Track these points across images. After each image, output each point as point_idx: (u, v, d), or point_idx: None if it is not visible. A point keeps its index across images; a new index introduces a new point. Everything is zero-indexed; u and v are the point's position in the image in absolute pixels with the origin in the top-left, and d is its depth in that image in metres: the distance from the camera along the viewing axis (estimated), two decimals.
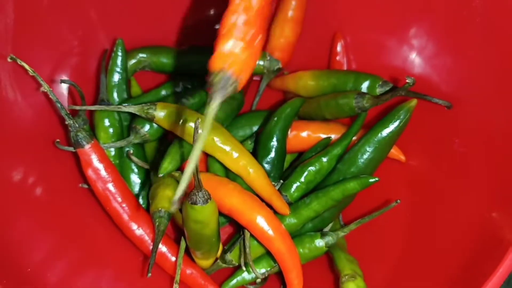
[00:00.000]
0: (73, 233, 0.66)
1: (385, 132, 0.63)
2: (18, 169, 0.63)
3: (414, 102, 0.62)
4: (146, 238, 0.66)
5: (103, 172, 0.65)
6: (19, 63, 0.61)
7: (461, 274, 0.55)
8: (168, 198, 0.65)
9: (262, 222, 0.60)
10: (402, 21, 0.70)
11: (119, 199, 0.66)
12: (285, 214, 0.63)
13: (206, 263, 0.66)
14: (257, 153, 0.67)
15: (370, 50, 0.74)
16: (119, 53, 0.71)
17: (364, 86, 0.67)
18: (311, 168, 0.64)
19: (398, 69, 0.70)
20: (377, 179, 0.60)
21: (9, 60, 0.61)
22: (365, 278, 0.60)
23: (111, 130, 0.69)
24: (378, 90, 0.66)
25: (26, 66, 0.61)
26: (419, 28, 0.69)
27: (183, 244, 0.64)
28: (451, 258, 0.58)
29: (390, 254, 0.65)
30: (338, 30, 0.77)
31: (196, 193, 0.57)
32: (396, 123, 0.62)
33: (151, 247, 0.65)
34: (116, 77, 0.72)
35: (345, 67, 0.78)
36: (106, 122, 0.69)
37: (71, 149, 0.66)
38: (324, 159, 0.65)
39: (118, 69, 0.72)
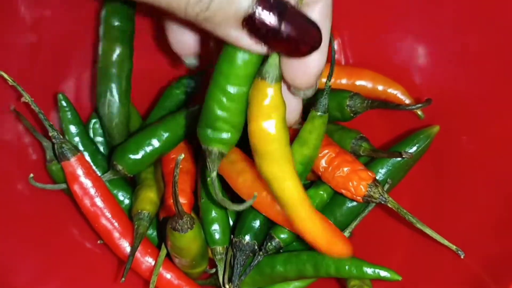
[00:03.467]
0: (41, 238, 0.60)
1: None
2: None
3: (436, 128, 0.58)
4: (139, 256, 0.61)
5: (90, 187, 0.59)
6: None
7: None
8: (150, 200, 0.61)
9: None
10: (399, 17, 0.66)
11: (109, 216, 0.60)
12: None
13: (192, 272, 0.62)
14: None
15: (368, 46, 0.70)
16: (66, 109, 0.63)
17: (335, 105, 0.62)
18: None
19: (397, 64, 0.67)
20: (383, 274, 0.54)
21: None
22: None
23: None
24: (348, 103, 0.61)
25: (5, 76, 0.53)
26: (417, 24, 0.65)
27: (162, 254, 0.60)
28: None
29: (395, 260, 0.62)
30: (335, 27, 0.71)
31: (177, 220, 0.53)
32: (414, 148, 0.58)
33: (145, 266, 0.60)
34: (75, 132, 0.64)
35: (343, 63, 0.73)
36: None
37: (49, 187, 0.60)
38: (323, 193, 0.59)
39: (73, 125, 0.64)
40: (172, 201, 0.58)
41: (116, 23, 0.63)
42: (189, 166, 0.65)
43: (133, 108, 0.70)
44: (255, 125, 0.45)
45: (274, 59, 0.44)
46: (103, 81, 0.64)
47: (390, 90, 0.65)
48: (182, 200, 0.60)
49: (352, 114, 0.62)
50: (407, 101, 0.65)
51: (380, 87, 0.66)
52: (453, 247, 0.53)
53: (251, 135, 0.46)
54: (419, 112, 0.64)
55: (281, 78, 0.45)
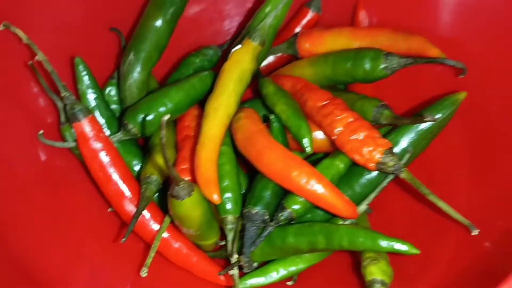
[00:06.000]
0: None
1: (424, 124, 0.55)
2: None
3: (462, 94, 0.55)
4: (147, 223, 0.59)
5: (100, 149, 0.58)
6: (12, 30, 0.53)
7: None
8: (159, 165, 0.59)
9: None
10: None
11: (118, 179, 0.58)
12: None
13: (202, 244, 0.60)
14: None
15: (394, 11, 0.67)
16: (83, 73, 0.62)
17: (367, 61, 0.59)
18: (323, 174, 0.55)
19: (426, 30, 0.62)
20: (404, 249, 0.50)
21: (1, 28, 0.53)
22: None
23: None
24: (384, 61, 0.58)
25: (21, 33, 0.53)
26: None
27: (167, 220, 0.58)
28: None
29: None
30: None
31: (174, 186, 0.51)
32: (438, 115, 0.55)
33: (153, 233, 0.59)
34: (92, 97, 0.63)
35: None
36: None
37: (58, 144, 0.59)
38: (340, 163, 0.56)
39: (91, 90, 0.62)
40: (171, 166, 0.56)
41: None
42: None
43: (152, 79, 0.69)
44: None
45: None
46: (135, 41, 0.63)
47: (412, 42, 0.61)
48: (185, 166, 0.58)
49: (389, 72, 0.58)
50: (433, 50, 0.59)
51: (401, 39, 0.61)
52: (466, 222, 0.49)
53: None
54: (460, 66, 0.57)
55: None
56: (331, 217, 0.57)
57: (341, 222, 0.56)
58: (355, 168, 0.57)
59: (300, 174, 0.53)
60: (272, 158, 0.54)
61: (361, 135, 0.53)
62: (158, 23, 0.63)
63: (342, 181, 0.57)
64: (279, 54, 0.71)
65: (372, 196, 0.56)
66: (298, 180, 0.53)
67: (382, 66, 0.58)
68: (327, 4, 0.71)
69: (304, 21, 0.71)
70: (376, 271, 0.50)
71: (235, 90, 0.60)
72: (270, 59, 0.72)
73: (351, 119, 0.55)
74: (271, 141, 0.56)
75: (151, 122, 0.61)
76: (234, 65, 0.61)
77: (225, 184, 0.58)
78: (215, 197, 0.54)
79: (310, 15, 0.71)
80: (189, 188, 0.52)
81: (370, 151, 0.53)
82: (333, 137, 0.56)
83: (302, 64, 0.67)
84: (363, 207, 0.56)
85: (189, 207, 0.53)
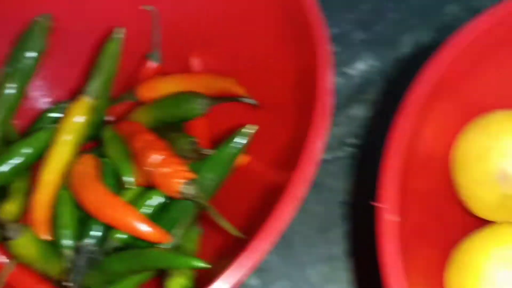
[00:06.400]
0: None
1: (223, 156, 0.65)
2: None
3: (253, 127, 0.64)
4: None
5: None
6: None
7: None
8: (9, 210, 0.66)
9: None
10: None
11: None
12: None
13: (49, 275, 0.67)
14: None
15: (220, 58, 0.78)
16: None
17: (184, 104, 0.70)
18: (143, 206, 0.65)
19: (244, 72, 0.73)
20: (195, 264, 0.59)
21: None
22: None
23: None
24: (197, 103, 0.69)
25: None
26: None
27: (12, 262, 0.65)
28: None
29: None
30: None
31: (6, 229, 0.60)
32: (228, 149, 0.65)
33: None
34: None
35: None
36: None
37: None
38: (158, 194, 0.65)
39: None
40: None
41: (22, 62, 0.73)
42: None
43: (13, 133, 0.78)
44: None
45: None
46: None
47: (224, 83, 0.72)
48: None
49: (201, 112, 0.69)
50: (237, 90, 0.71)
51: (218, 82, 0.73)
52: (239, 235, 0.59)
53: None
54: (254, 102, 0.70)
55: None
56: None
57: (161, 246, 0.65)
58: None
59: (113, 210, 0.62)
60: (92, 198, 0.63)
61: (169, 169, 0.63)
62: (9, 91, 0.73)
63: (163, 210, 0.66)
64: (126, 102, 0.81)
65: (184, 221, 0.65)
66: (111, 215, 0.62)
67: (195, 106, 0.69)
68: (170, 54, 0.81)
69: (146, 71, 0.81)
70: (174, 285, 0.59)
71: (70, 141, 0.69)
72: (120, 107, 0.81)
73: (163, 156, 0.64)
74: (93, 183, 0.65)
75: (3, 174, 0.70)
76: (69, 118, 0.70)
77: (62, 222, 0.66)
78: (45, 237, 0.63)
79: (150, 65, 0.81)
80: (20, 230, 0.61)
81: (174, 182, 0.62)
82: (149, 173, 0.65)
83: (142, 109, 0.76)
84: (178, 231, 0.65)
85: (22, 246, 0.61)
